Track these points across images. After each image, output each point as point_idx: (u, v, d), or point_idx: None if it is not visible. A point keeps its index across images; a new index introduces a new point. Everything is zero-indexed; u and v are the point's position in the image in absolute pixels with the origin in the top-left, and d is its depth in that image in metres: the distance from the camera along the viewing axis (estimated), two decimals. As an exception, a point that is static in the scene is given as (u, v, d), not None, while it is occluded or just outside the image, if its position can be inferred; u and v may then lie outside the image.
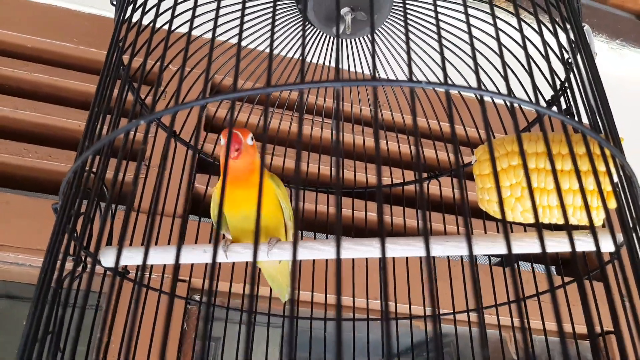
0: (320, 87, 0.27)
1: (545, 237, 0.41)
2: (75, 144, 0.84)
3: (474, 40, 0.40)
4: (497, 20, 0.35)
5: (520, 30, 0.39)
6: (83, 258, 0.44)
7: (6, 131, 0.82)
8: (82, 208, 0.35)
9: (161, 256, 0.47)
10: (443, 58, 0.27)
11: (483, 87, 0.27)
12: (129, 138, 0.48)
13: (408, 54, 0.26)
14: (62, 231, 0.34)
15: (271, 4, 0.61)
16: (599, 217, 0.38)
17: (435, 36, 0.62)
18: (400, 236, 0.45)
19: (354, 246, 0.44)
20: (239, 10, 0.60)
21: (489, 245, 0.41)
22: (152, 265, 0.58)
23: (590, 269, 0.53)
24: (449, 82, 0.26)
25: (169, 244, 0.61)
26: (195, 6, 0.38)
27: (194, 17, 0.38)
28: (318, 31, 0.64)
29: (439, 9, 0.59)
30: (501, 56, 0.28)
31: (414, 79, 0.70)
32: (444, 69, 0.26)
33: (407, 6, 0.61)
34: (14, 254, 0.73)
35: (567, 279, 0.55)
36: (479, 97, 0.56)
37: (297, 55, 0.67)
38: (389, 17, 0.60)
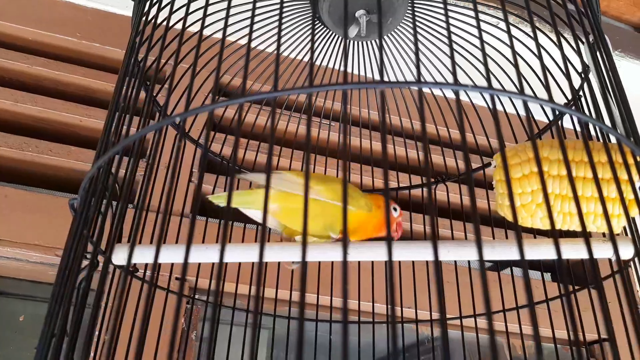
0: (328, 90, 0.27)
1: (561, 244, 0.41)
2: (76, 138, 0.83)
3: (485, 44, 0.40)
4: (511, 27, 0.35)
5: (535, 38, 0.40)
6: (95, 256, 0.43)
7: (6, 124, 0.81)
8: (106, 208, 0.35)
9: (175, 254, 0.46)
10: (453, 61, 0.27)
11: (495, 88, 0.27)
12: (146, 138, 0.47)
13: (416, 54, 0.26)
14: (81, 228, 0.34)
15: (284, 6, 0.61)
16: (619, 225, 0.38)
17: (447, 40, 0.62)
18: (407, 240, 0.45)
19: (370, 249, 0.43)
20: (249, 10, 0.60)
21: (504, 251, 0.41)
22: (159, 265, 0.57)
23: (599, 277, 0.54)
24: (458, 82, 0.26)
25: (177, 243, 0.60)
26: (207, 5, 0.38)
27: (205, 16, 0.38)
28: (331, 33, 0.63)
29: (451, 14, 0.60)
30: (515, 61, 0.28)
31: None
32: (454, 72, 0.26)
33: (421, 10, 0.61)
34: (12, 248, 0.72)
35: (567, 287, 0.55)
36: (489, 99, 0.56)
37: (307, 58, 0.67)
38: (403, 20, 0.60)
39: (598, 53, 0.40)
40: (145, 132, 0.29)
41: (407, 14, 0.60)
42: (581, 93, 0.51)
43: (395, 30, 0.63)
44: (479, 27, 0.29)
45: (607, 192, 0.37)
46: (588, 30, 0.41)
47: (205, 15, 0.37)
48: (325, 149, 0.81)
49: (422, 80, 0.60)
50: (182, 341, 0.68)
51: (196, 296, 0.72)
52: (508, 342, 0.62)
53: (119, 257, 0.46)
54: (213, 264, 0.63)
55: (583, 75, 0.49)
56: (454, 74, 0.24)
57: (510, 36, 0.27)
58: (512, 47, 0.26)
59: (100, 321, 0.49)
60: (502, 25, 0.64)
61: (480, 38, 0.28)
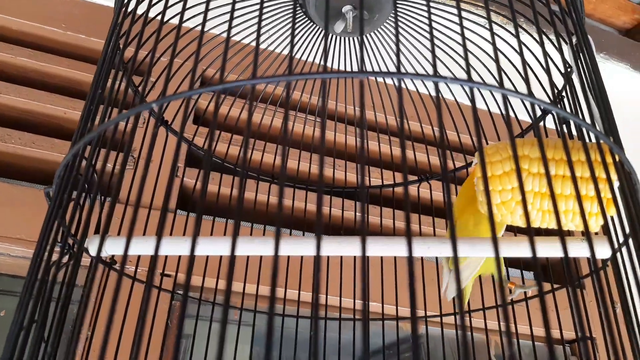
0: (307, 78, 0.27)
1: (537, 242, 0.42)
2: (60, 131, 0.82)
3: (468, 41, 0.40)
4: (496, 27, 0.35)
5: (517, 35, 0.40)
6: (71, 246, 0.43)
7: (-12, 115, 0.80)
8: (79, 197, 0.34)
9: (149, 246, 0.45)
10: (433, 54, 0.27)
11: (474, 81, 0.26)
12: (123, 129, 0.47)
13: (397, 44, 0.26)
14: (55, 217, 0.33)
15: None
16: (597, 224, 0.38)
17: (429, 35, 0.62)
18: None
19: (339, 243, 0.43)
20: (229, 4, 0.59)
21: (474, 248, 0.41)
22: (139, 257, 0.57)
23: (579, 276, 0.54)
24: (438, 74, 0.26)
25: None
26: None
27: (184, 9, 0.37)
28: (317, 28, 0.63)
29: (436, 11, 0.60)
30: (495, 56, 0.28)
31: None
32: (434, 64, 0.26)
33: (406, 6, 0.61)
34: (-6, 242, 0.71)
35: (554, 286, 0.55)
36: (469, 91, 0.56)
37: (288, 51, 0.67)
38: (391, 17, 0.60)
39: (581, 54, 0.40)
40: (121, 119, 0.29)
41: (394, 10, 0.60)
42: (564, 93, 0.51)
43: (383, 27, 0.63)
44: (461, 24, 0.29)
45: (586, 191, 0.37)
46: (572, 31, 0.41)
47: (184, 9, 0.36)
48: (310, 145, 0.81)
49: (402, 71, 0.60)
50: (165, 337, 0.68)
51: (179, 291, 0.72)
52: (487, 339, 0.62)
53: (95, 247, 0.46)
54: (188, 256, 0.62)
55: (566, 76, 0.50)
56: (434, 66, 0.24)
57: (492, 32, 0.27)
58: (493, 42, 0.26)
59: (77, 313, 0.49)
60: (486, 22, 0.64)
61: (462, 32, 0.28)
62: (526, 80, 0.25)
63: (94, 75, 0.41)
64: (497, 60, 0.27)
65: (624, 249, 0.33)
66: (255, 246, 0.44)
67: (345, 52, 0.67)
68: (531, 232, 0.27)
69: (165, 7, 0.37)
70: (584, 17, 0.46)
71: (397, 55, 0.24)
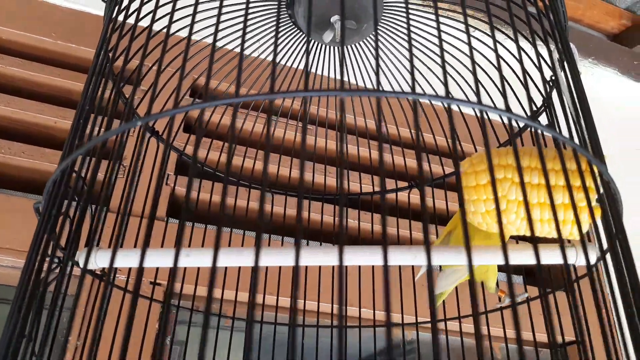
0: (286, 97, 0.28)
1: (510, 249, 0.42)
2: (51, 140, 0.82)
3: (447, 53, 0.40)
4: (473, 33, 0.36)
5: (495, 50, 0.40)
6: (60, 259, 0.43)
7: (-22, 125, 0.80)
8: (68, 209, 0.34)
9: (135, 258, 0.46)
10: (412, 70, 0.27)
11: (452, 97, 0.27)
12: (117, 140, 0.47)
13: (377, 60, 0.27)
14: (45, 232, 0.33)
15: (256, 9, 0.61)
16: (572, 232, 0.39)
17: (415, 49, 0.63)
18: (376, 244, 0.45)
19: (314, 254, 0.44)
20: (216, 7, 0.60)
21: (449, 257, 0.42)
22: (130, 268, 0.57)
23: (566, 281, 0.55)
24: (418, 91, 0.26)
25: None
26: (174, 10, 0.38)
27: (171, 20, 0.38)
28: (304, 37, 0.64)
29: (416, 23, 0.60)
30: (473, 70, 0.29)
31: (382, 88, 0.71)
32: (412, 81, 0.26)
33: (393, 18, 0.62)
34: (-20, 251, 0.70)
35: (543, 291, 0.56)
36: (446, 105, 0.57)
37: (283, 61, 0.67)
38: (379, 26, 0.61)
39: (564, 63, 0.41)
40: (109, 136, 0.29)
41: (382, 21, 0.61)
42: (549, 101, 0.52)
43: (371, 36, 0.63)
44: (439, 37, 0.29)
45: (563, 199, 0.38)
46: (554, 39, 0.42)
47: (171, 22, 0.37)
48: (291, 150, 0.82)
49: (381, 89, 0.61)
50: (155, 345, 0.68)
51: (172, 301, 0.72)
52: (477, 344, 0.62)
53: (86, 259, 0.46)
54: (185, 268, 0.63)
55: (547, 86, 0.50)
56: (412, 82, 0.25)
57: (470, 46, 0.28)
58: (471, 56, 0.27)
59: (67, 325, 0.49)
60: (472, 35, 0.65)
61: (440, 44, 0.29)
62: (504, 96, 0.26)
63: (83, 88, 0.41)
64: (474, 74, 0.28)
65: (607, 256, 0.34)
66: (235, 257, 0.44)
67: (328, 60, 0.68)
68: (504, 240, 0.27)
69: (153, 21, 0.37)
70: (568, 26, 0.46)
71: (377, 75, 0.24)
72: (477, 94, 0.25)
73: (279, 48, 0.66)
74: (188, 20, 0.36)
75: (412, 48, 0.27)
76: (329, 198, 0.77)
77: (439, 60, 0.62)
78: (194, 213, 0.75)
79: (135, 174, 0.26)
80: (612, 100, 1.43)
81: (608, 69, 1.34)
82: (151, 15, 0.38)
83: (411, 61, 0.26)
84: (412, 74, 0.25)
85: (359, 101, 0.81)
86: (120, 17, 0.43)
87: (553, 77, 0.49)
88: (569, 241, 0.44)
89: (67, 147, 0.36)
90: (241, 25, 0.61)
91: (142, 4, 0.40)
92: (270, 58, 0.65)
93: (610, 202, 0.31)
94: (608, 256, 0.34)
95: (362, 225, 0.83)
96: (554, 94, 0.49)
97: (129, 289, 0.53)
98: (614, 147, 1.35)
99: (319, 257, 0.44)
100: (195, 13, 0.32)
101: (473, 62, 0.27)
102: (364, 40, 0.64)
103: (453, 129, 0.24)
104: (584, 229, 0.38)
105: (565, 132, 0.39)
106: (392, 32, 0.63)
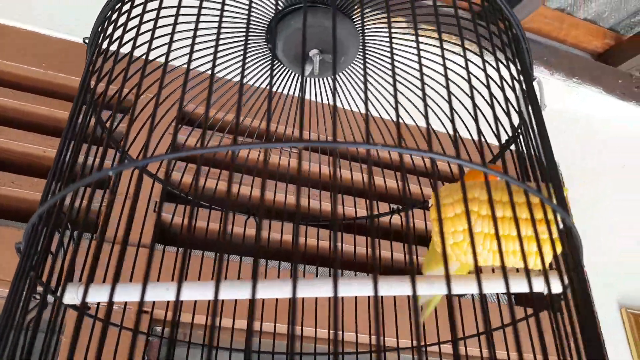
0: (251, 148, 0.29)
1: (484, 279, 0.44)
2: (40, 170, 0.83)
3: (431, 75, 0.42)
4: (446, 62, 0.38)
5: (469, 81, 0.42)
6: (46, 297, 0.44)
7: (-32, 155, 0.81)
8: (51, 244, 0.36)
9: (127, 293, 0.47)
10: (366, 114, 0.28)
11: (405, 145, 0.29)
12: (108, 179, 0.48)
13: (334, 108, 0.28)
14: (26, 273, 0.34)
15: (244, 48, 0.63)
16: (536, 262, 0.41)
17: (391, 80, 0.65)
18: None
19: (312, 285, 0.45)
20: (188, 45, 0.62)
21: (426, 286, 0.43)
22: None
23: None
24: (403, 144, 0.28)
25: (132, 274, 0.60)
26: (149, 50, 0.40)
27: (149, 49, 0.39)
28: (287, 70, 0.66)
29: (396, 53, 0.62)
30: (425, 114, 0.30)
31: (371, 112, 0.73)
32: (367, 132, 0.28)
33: (370, 49, 0.64)
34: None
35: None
36: (399, 156, 0.59)
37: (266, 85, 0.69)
38: (356, 59, 0.63)
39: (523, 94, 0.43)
40: (96, 178, 0.30)
41: (359, 53, 0.63)
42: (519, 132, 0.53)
43: (352, 67, 0.65)
44: (421, 70, 0.31)
45: (525, 232, 0.40)
46: (519, 83, 0.44)
47: (149, 49, 0.39)
48: (286, 176, 0.83)
49: (339, 140, 0.63)
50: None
51: (158, 329, 0.73)
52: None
53: (73, 296, 0.47)
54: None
55: (512, 129, 0.52)
56: (366, 134, 0.26)
57: (422, 81, 0.29)
58: (424, 99, 0.29)
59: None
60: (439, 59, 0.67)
61: (422, 77, 0.30)
62: (455, 143, 0.28)
63: (69, 117, 0.42)
64: (426, 117, 0.30)
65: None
66: (229, 290, 0.46)
67: (319, 88, 0.69)
68: (478, 271, 0.29)
69: (130, 63, 0.39)
70: (532, 60, 0.48)
71: (333, 125, 0.26)
72: (429, 142, 0.27)
73: (264, 77, 0.68)
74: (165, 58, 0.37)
75: (367, 92, 0.29)
76: (324, 224, 0.78)
77: (415, 87, 0.64)
78: (190, 240, 0.77)
79: (110, 206, 0.28)
80: (597, 118, 1.45)
81: (593, 88, 1.36)
82: (128, 56, 0.40)
83: (366, 109, 0.28)
84: (366, 122, 0.27)
85: (347, 125, 0.83)
86: (103, 55, 0.45)
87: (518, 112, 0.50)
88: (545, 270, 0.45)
89: (48, 186, 0.37)
90: (231, 56, 0.63)
91: (120, 46, 0.42)
92: (260, 83, 0.67)
93: (572, 247, 0.33)
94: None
95: (358, 250, 0.84)
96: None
97: (112, 322, 0.54)
98: (600, 165, 1.38)
99: (315, 287, 0.45)
100: (171, 42, 0.34)
101: (425, 110, 0.28)
102: (350, 67, 0.66)
103: (405, 175, 0.25)
104: (547, 260, 0.39)
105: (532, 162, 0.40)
106: (374, 59, 0.65)
